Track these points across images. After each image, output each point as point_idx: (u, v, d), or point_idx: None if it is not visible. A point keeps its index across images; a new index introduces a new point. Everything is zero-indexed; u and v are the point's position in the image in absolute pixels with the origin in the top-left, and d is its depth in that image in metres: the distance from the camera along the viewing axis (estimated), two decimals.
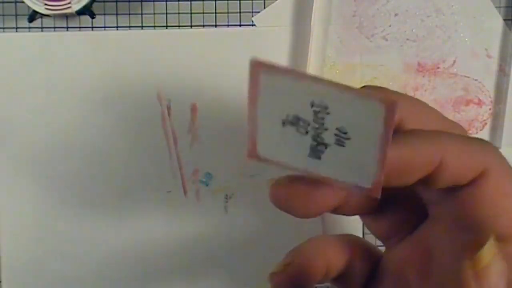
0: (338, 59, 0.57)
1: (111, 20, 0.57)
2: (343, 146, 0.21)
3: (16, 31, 0.56)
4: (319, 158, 0.22)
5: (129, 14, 0.57)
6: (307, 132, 0.22)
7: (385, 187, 0.23)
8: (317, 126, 0.21)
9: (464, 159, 0.23)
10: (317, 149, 0.22)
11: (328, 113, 0.21)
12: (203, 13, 0.57)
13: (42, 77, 0.56)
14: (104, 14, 0.57)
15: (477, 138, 0.25)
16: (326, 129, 0.21)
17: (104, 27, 0.57)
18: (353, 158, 0.22)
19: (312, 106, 0.21)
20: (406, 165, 0.22)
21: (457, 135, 0.24)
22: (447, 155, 0.22)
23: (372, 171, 0.21)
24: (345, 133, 0.21)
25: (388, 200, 0.28)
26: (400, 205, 0.29)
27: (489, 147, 0.24)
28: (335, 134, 0.21)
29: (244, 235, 0.57)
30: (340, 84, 0.21)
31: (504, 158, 0.24)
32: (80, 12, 0.54)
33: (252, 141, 0.23)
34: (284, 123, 0.22)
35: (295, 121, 0.22)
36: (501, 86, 0.57)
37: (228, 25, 0.57)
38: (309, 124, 0.22)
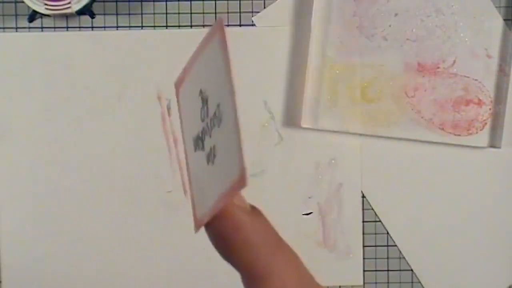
0: (338, 59, 0.57)
1: (111, 20, 0.57)
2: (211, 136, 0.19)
3: (16, 31, 0.56)
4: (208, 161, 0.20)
5: (129, 14, 0.57)
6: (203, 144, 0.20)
7: None
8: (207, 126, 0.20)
9: None
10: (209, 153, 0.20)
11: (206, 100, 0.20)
12: (203, 13, 0.57)
13: (42, 77, 0.56)
14: (104, 14, 0.57)
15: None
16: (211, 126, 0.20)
17: (104, 27, 0.57)
18: (223, 148, 0.20)
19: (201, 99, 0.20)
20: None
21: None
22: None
23: (237, 157, 0.19)
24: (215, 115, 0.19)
25: None
26: None
27: None
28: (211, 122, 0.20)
29: None
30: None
31: None
32: (80, 12, 0.54)
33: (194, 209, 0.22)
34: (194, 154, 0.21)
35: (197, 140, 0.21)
36: (501, 86, 0.57)
37: (228, 25, 0.57)
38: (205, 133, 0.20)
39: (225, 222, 0.21)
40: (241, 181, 0.18)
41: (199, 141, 0.21)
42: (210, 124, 0.20)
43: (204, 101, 0.20)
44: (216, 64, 0.19)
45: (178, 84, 0.22)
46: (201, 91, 0.20)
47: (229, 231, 0.21)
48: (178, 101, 0.22)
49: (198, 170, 0.21)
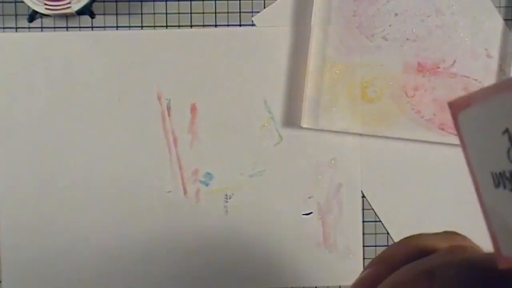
0: (338, 59, 0.57)
1: (111, 20, 0.57)
2: None
3: (16, 31, 0.56)
4: None
5: (129, 14, 0.57)
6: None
7: None
8: None
9: None
10: None
11: None
12: (203, 13, 0.57)
13: (42, 77, 0.56)
14: (104, 14, 0.57)
15: None
16: None
17: (104, 27, 0.57)
18: None
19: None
20: None
21: None
22: None
23: None
24: None
25: None
26: None
27: None
28: None
29: (244, 235, 0.57)
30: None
31: None
32: (80, 12, 0.54)
33: (494, 240, 0.21)
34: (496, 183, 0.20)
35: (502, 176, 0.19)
36: None
37: (228, 25, 0.57)
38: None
39: None
40: None
41: (504, 180, 0.20)
42: None
43: None
44: None
45: (458, 105, 0.21)
46: (507, 130, 0.19)
47: None
48: (457, 122, 0.21)
49: (501, 208, 0.21)
